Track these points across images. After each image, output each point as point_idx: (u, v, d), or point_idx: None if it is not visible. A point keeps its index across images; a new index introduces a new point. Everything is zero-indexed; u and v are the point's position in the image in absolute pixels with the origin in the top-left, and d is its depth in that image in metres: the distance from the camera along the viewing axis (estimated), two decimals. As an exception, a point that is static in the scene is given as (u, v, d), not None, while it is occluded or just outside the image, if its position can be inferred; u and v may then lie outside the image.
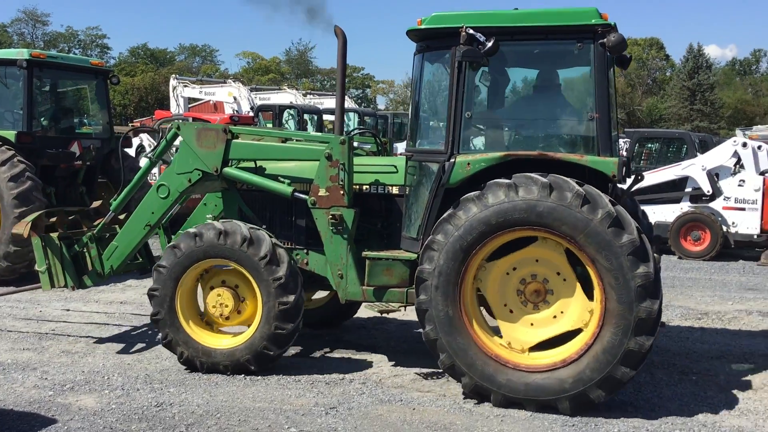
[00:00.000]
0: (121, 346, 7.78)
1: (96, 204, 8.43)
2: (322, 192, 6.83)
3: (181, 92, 26.87)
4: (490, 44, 6.06)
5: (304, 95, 29.98)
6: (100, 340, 8.01)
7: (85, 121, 13.61)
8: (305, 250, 7.19)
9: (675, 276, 12.67)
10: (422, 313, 6.10)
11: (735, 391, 6.59)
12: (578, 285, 5.97)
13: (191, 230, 6.85)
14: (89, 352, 7.59)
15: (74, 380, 6.63)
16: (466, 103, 6.25)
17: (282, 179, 7.21)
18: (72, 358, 7.38)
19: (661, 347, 7.79)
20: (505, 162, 6.01)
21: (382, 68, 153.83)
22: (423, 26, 6.40)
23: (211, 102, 23.10)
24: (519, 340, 6.06)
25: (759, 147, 14.66)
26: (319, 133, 8.73)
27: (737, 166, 14.90)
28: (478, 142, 6.43)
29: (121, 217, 8.00)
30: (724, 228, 14.31)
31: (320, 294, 8.39)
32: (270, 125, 21.40)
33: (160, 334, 6.99)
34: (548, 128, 6.40)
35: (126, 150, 13.68)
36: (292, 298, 6.63)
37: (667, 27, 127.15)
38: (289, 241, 7.28)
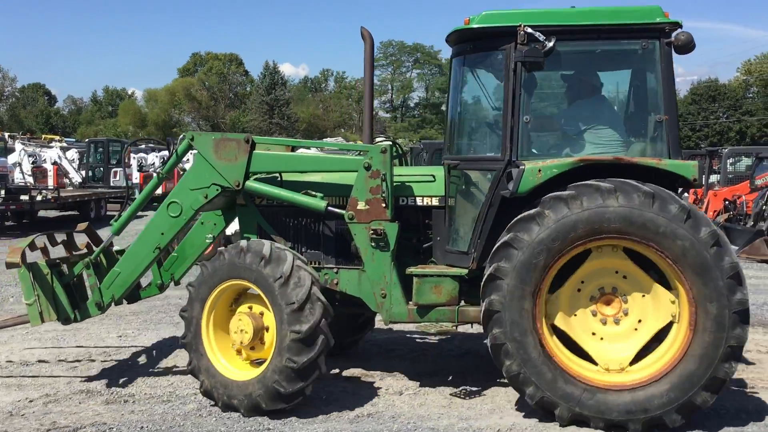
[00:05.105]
0: None
1: (81, 227, 7.51)
2: (361, 205, 6.28)
3: None
4: (550, 44, 5.72)
5: None
6: None
7: None
8: (335, 269, 6.60)
9: None
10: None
11: None
12: (649, 279, 5.62)
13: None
14: None
15: None
16: (523, 107, 5.88)
17: (311, 193, 6.59)
18: None
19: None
20: (575, 168, 5.66)
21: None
22: (473, 25, 5.98)
23: None
24: (615, 360, 5.66)
25: None
26: (352, 143, 8.16)
27: None
28: (537, 147, 6.05)
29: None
30: None
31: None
32: None
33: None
34: (612, 131, 6.08)
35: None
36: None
37: (245, 44, 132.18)
38: (316, 260, 6.69)
